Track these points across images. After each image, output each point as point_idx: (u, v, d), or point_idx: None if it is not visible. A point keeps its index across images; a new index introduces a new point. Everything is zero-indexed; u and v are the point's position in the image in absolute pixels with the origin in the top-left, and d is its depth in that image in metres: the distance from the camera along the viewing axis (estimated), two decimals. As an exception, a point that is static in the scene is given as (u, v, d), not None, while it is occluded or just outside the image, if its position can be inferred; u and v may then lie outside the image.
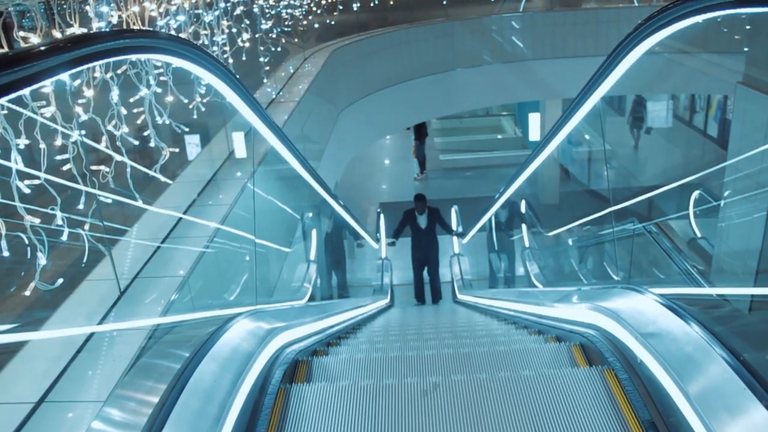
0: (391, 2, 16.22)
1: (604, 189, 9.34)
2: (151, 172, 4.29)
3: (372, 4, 15.43)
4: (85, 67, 1.77)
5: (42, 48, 1.67)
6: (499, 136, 24.64)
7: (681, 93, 16.83)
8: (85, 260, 3.43)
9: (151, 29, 4.06)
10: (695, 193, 7.89)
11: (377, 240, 12.29)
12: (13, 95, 1.54)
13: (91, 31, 3.30)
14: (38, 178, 2.96)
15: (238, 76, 3.15)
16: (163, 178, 4.17)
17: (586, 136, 16.65)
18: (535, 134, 19.70)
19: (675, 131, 17.17)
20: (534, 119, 19.78)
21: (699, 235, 8.06)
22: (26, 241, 3.03)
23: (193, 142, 6.30)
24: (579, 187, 17.60)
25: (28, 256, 3.01)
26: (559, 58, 15.04)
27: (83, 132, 3.40)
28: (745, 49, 6.74)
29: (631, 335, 2.63)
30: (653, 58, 3.17)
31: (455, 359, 3.38)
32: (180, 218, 4.69)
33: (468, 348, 3.74)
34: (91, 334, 3.04)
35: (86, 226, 3.31)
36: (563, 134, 4.60)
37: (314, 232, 9.08)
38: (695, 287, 5.15)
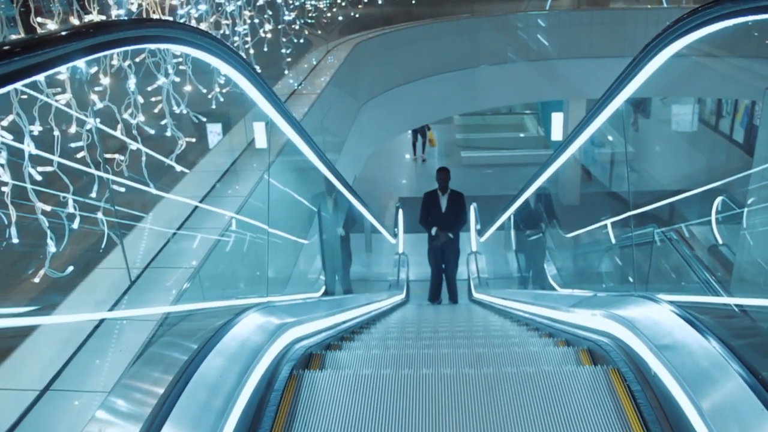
0: (417, -4, 16.17)
1: (625, 192, 9.23)
2: (167, 161, 4.28)
3: (397, -2, 15.40)
4: (96, 56, 1.74)
5: (49, 36, 1.64)
6: (522, 135, 24.46)
7: (707, 97, 16.61)
8: (103, 245, 3.43)
9: (165, 19, 4.04)
10: (718, 200, 7.76)
11: (395, 235, 12.24)
12: (20, 83, 1.52)
13: (104, 19, 3.28)
14: (52, 164, 2.96)
15: (257, 68, 3.12)
16: (178, 168, 4.16)
17: (609, 138, 16.49)
18: (557, 134, 19.53)
19: (700, 135, 16.95)
20: (557, 119, 19.61)
21: (721, 241, 7.94)
22: (46, 223, 3.03)
23: (214, 131, 6.30)
24: (600, 189, 17.43)
25: (48, 238, 3.02)
26: (585, 58, 14.87)
27: (98, 120, 3.38)
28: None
29: (646, 346, 2.57)
30: (680, 60, 3.09)
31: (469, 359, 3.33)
32: (195, 208, 4.67)
33: (484, 348, 3.69)
34: (99, 323, 3.03)
35: (99, 213, 3.29)
36: (584, 137, 4.53)
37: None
38: (713, 296, 5.05)
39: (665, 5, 16.02)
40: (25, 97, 3.03)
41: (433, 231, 9.24)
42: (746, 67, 11.28)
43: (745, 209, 6.47)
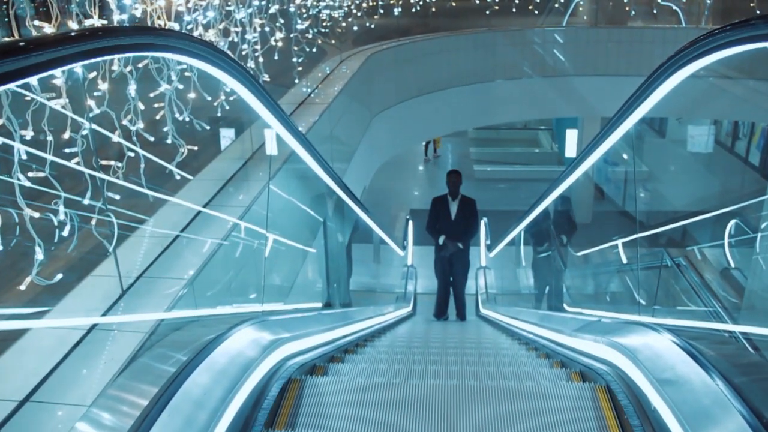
0: (433, 9, 16.11)
1: (637, 212, 9.10)
2: (170, 167, 4.23)
3: (414, 10, 15.34)
4: (77, 65, 1.68)
5: (33, 42, 1.59)
6: (536, 150, 24.42)
7: (724, 119, 16.47)
8: (111, 248, 3.38)
9: (155, 26, 3.98)
10: (732, 223, 7.65)
11: (404, 247, 12.16)
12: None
13: (96, 25, 3.24)
14: (51, 166, 2.91)
15: (264, 77, 3.06)
16: (177, 176, 4.10)
17: (624, 156, 16.38)
18: (571, 151, 19.51)
19: (715, 157, 16.79)
20: (571, 136, 19.57)
21: (733, 265, 7.81)
22: (55, 222, 2.98)
23: (228, 135, 6.27)
24: (613, 208, 17.30)
25: (56, 239, 2.97)
26: (601, 76, 14.78)
27: (92, 126, 3.33)
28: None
29: (647, 379, 2.47)
30: (696, 81, 3.01)
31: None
32: (197, 214, 4.61)
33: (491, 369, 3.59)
34: (85, 334, 2.97)
35: (93, 221, 3.23)
36: (594, 158, 4.44)
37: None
38: (721, 323, 4.95)
39: (684, 25, 15.91)
40: (27, 98, 3.00)
41: (441, 240, 8.60)
42: (764, 91, 11.15)
43: (759, 234, 6.37)
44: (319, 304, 7.02)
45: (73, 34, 1.79)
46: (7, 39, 2.51)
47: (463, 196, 8.46)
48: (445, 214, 8.47)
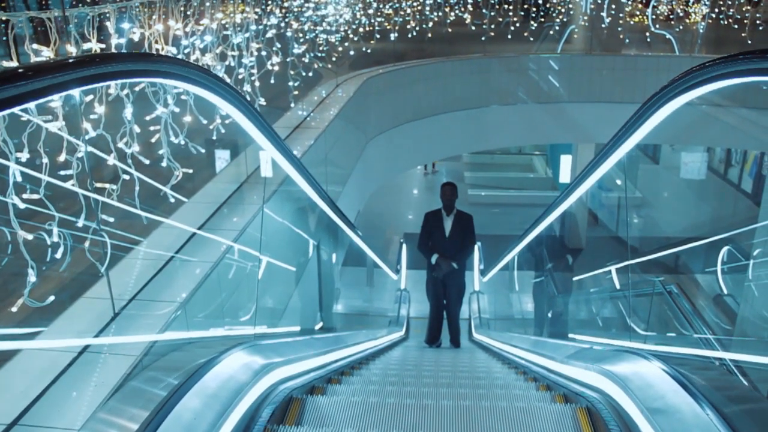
0: (429, 35, 16.24)
1: (630, 238, 9.11)
2: (165, 189, 4.24)
3: (410, 35, 15.46)
4: (67, 92, 1.70)
5: (32, 68, 1.61)
6: (530, 175, 24.52)
7: (716, 146, 16.59)
8: (103, 269, 3.38)
9: (151, 53, 4.01)
10: (724, 249, 7.68)
11: (397, 271, 12.15)
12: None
13: (87, 53, 3.26)
14: (46, 187, 2.92)
15: (260, 100, 3.08)
16: (172, 199, 4.11)
17: (618, 182, 16.46)
18: (565, 176, 19.63)
19: (708, 183, 16.89)
20: (565, 161, 19.70)
21: (725, 291, 7.84)
22: (48, 243, 2.98)
23: (223, 157, 6.28)
24: (606, 233, 17.35)
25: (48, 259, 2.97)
26: (595, 102, 14.89)
27: (88, 148, 3.35)
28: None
29: (638, 408, 2.47)
30: (689, 109, 3.04)
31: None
32: (191, 236, 4.61)
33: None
34: (76, 356, 2.96)
35: (86, 243, 3.24)
36: (587, 185, 4.47)
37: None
38: (712, 350, 4.96)
39: (677, 53, 16.08)
40: (24, 119, 3.01)
41: (434, 259, 7.79)
42: (754, 120, 11.25)
43: (751, 261, 6.40)
44: (314, 327, 7.01)
45: (71, 60, 1.82)
46: (5, 64, 2.54)
47: (459, 211, 7.79)
48: (439, 231, 7.73)
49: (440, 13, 17.95)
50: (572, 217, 16.62)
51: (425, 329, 8.92)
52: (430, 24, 16.64)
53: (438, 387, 4.35)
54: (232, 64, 5.83)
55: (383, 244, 17.43)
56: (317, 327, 7.36)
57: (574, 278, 9.02)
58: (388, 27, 15.09)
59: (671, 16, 18.87)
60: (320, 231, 7.04)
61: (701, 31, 16.73)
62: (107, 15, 3.55)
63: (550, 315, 8.62)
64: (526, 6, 19.03)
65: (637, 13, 20.04)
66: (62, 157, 3.09)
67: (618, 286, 6.96)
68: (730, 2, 17.20)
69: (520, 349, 6.11)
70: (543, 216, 6.74)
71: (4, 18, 3.09)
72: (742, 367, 3.90)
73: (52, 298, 2.93)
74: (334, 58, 11.81)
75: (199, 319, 4.21)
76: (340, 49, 12.27)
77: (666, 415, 2.26)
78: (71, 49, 3.27)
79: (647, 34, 17.35)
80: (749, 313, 6.24)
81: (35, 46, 2.91)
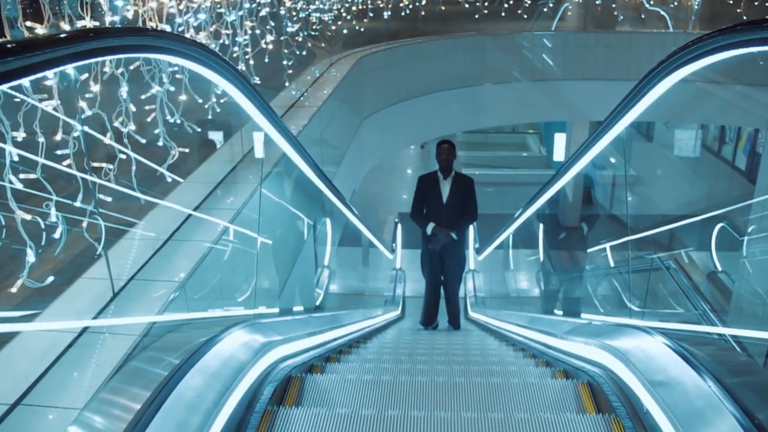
0: (423, 13, 16.14)
1: (625, 215, 9.10)
2: (161, 169, 4.21)
3: (403, 14, 15.35)
4: (61, 69, 1.67)
5: (24, 43, 1.58)
6: (524, 154, 24.52)
7: (711, 123, 16.59)
8: (98, 252, 3.36)
9: (147, 28, 3.97)
10: (718, 226, 7.71)
11: (393, 250, 12.16)
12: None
13: (82, 28, 3.22)
14: (42, 168, 2.90)
15: (255, 79, 3.05)
16: (169, 179, 4.09)
17: (612, 160, 16.46)
18: (559, 155, 19.60)
19: (702, 161, 16.92)
20: (559, 140, 19.66)
21: (720, 268, 7.87)
22: (43, 225, 2.96)
23: (216, 138, 6.24)
24: (601, 211, 17.39)
25: (43, 242, 2.95)
26: (589, 80, 14.85)
27: (84, 128, 3.32)
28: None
29: (639, 381, 2.48)
30: (685, 86, 3.03)
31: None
32: (187, 217, 4.60)
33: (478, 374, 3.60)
34: (76, 337, 2.95)
35: (84, 224, 3.22)
36: (582, 164, 4.46)
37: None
38: (710, 326, 4.99)
39: (671, 30, 16.02)
40: (17, 100, 2.98)
41: (429, 229, 6.77)
42: (750, 95, 11.24)
43: (746, 237, 6.42)
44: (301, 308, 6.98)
45: (64, 35, 1.79)
46: (-1, 40, 2.50)
47: (458, 174, 6.82)
48: (435, 196, 6.71)
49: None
50: (565, 196, 16.65)
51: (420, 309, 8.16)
52: (423, 2, 16.51)
53: (433, 364, 4.37)
54: (227, 42, 5.79)
55: (378, 224, 17.44)
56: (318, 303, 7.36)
57: (588, 250, 8.65)
58: (381, 5, 14.97)
59: (665, -7, 18.78)
60: (296, 198, 6.51)
61: (696, 7, 16.66)
62: (101, -8, 3.51)
63: (560, 294, 8.41)
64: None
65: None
66: (59, 137, 3.06)
67: (612, 264, 6.98)
68: (724, -22, 17.13)
69: (519, 326, 6.13)
70: (556, 177, 6.50)
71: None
72: (742, 342, 3.92)
73: (51, 278, 2.91)
74: (327, 37, 11.73)
75: (198, 300, 4.21)
76: (333, 28, 12.18)
77: (668, 388, 2.27)
78: (65, 27, 3.24)
79: (641, 10, 17.27)
80: (744, 290, 6.26)
81: (29, 23, 2.87)
